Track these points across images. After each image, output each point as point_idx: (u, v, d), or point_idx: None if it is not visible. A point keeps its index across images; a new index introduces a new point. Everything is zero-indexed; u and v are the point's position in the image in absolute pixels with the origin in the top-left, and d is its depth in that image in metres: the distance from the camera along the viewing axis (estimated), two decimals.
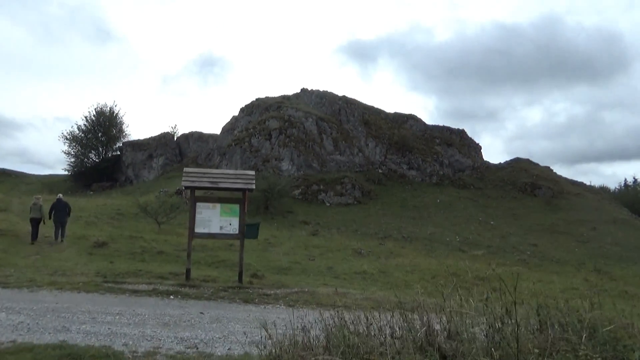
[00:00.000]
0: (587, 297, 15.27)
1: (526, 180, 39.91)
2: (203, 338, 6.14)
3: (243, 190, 10.63)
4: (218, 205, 10.53)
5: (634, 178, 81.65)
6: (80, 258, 15.11)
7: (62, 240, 17.13)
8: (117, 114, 54.14)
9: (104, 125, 52.75)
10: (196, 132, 50.67)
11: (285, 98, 43.45)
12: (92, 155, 53.11)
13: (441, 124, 44.01)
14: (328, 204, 34.79)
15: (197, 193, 10.70)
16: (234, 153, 39.01)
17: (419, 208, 35.21)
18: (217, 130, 48.13)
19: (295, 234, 26.68)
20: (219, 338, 6.19)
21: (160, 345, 5.65)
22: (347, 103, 42.16)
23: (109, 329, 6.36)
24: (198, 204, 10.47)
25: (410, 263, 19.20)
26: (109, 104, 60.36)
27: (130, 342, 5.70)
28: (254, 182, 10.68)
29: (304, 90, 43.97)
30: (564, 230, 33.78)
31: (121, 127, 54.22)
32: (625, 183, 68.67)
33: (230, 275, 14.03)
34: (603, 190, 51.53)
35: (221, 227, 10.51)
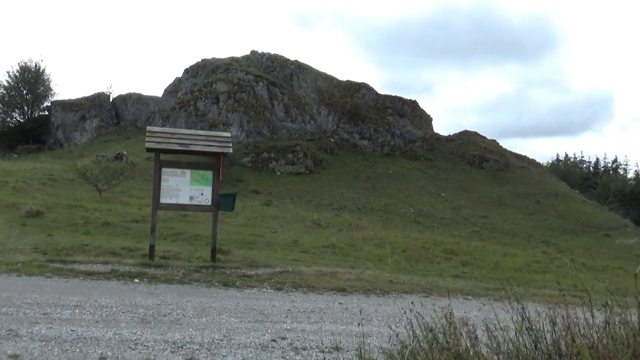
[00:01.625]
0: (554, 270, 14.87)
1: (474, 153, 40.34)
2: (200, 341, 4.83)
3: (218, 154, 9.16)
4: (188, 172, 9.03)
5: (565, 153, 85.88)
6: (11, 230, 13.05)
7: None
8: (44, 70, 49.48)
9: (29, 82, 48.08)
10: (135, 94, 47.24)
11: (233, 60, 41.07)
12: (16, 115, 48.48)
13: (394, 94, 43.36)
14: (279, 173, 33.47)
15: (163, 157, 9.14)
16: (178, 117, 36.52)
17: (372, 179, 34.66)
18: (159, 92, 45.00)
19: (248, 204, 25.25)
20: (220, 340, 4.91)
21: (152, 357, 4.29)
22: (300, 68, 40.48)
23: (72, 331, 4.90)
24: (164, 169, 8.90)
25: (376, 236, 18.45)
26: (35, 59, 54.84)
27: (110, 354, 4.28)
28: (230, 145, 9.22)
29: (253, 53, 41.74)
30: (510, 203, 34.48)
31: (49, 84, 49.74)
32: (557, 158, 72.05)
33: (192, 250, 12.57)
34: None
35: (191, 198, 9.04)
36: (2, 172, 24.55)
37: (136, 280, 7.58)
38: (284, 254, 14.01)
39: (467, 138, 42.78)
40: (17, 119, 48.06)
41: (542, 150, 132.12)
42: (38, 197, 18.30)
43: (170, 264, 8.83)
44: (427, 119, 43.51)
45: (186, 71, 42.21)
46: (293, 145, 35.15)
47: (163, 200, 8.88)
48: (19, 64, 48.04)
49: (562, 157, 72.20)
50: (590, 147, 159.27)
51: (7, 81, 47.09)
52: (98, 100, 46.51)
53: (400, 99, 43.14)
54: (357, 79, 56.09)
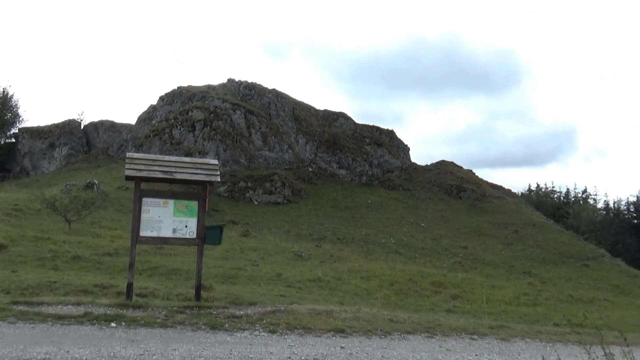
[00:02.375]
0: (545, 304, 14.46)
1: (452, 182, 40.42)
2: None
3: (204, 183, 8.47)
4: (171, 202, 8.30)
5: (537, 184, 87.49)
6: None
7: None
8: (12, 95, 47.94)
9: None
10: (107, 121, 46.07)
11: (210, 88, 40.55)
12: None
13: (371, 124, 43.38)
14: (256, 203, 32.68)
15: (143, 186, 8.40)
16: (152, 145, 35.55)
17: (351, 208, 34.18)
18: (132, 120, 43.96)
19: (226, 234, 24.22)
20: None
21: None
22: (278, 97, 40.21)
23: None
24: (145, 199, 8.15)
25: (361, 268, 17.81)
26: (3, 84, 53.25)
27: None
28: (218, 173, 8.55)
29: (230, 81, 41.34)
30: (489, 233, 34.40)
31: (17, 111, 48.13)
32: (529, 188, 73.19)
33: (171, 286, 11.69)
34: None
35: (174, 230, 8.29)
36: None
37: (113, 324, 6.75)
38: (269, 288, 13.24)
39: (443, 168, 42.93)
40: None
41: (509, 180, 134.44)
42: (1, 228, 17.07)
43: (149, 303, 8.00)
44: (404, 149, 43.60)
45: (161, 98, 41.44)
46: (271, 175, 34.52)
47: (143, 233, 8.11)
48: None
49: (533, 187, 73.37)
50: (555, 178, 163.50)
51: None
52: (68, 128, 45.14)
53: (377, 128, 43.21)
54: (334, 108, 56.23)
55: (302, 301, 11.84)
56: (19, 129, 46.18)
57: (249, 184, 33.35)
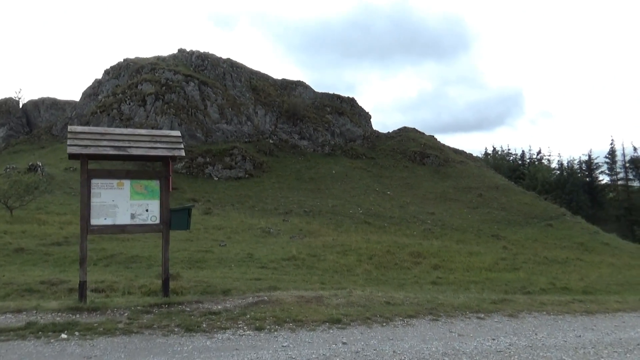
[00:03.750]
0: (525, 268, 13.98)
1: (415, 149, 40.01)
2: None
3: (166, 158, 7.15)
4: (126, 183, 6.97)
5: (493, 147, 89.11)
6: None
7: None
8: None
9: None
10: (49, 98, 42.79)
11: (160, 59, 38.06)
12: None
13: (331, 92, 42.12)
14: (217, 178, 31.21)
15: (91, 165, 7.04)
16: (100, 122, 33.16)
17: (315, 180, 33.22)
18: (76, 96, 40.97)
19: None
20: None
21: None
22: (233, 66, 38.23)
23: None
24: (94, 181, 6.79)
25: (335, 242, 16.90)
26: None
27: None
28: (182, 146, 7.25)
29: (181, 51, 38.93)
30: (454, 198, 34.31)
31: None
32: (485, 151, 74.33)
33: (131, 277, 10.38)
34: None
35: (133, 215, 6.99)
36: None
37: (64, 335, 5.49)
38: (241, 271, 12.12)
39: (406, 134, 42.45)
40: None
41: (462, 146, 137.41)
42: None
43: (108, 303, 6.75)
44: (365, 117, 42.73)
45: (107, 72, 38.67)
46: (230, 149, 32.99)
47: (95, 221, 6.78)
48: None
49: (489, 150, 74.56)
50: (505, 141, 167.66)
51: None
52: (5, 107, 41.68)
53: (338, 96, 42.05)
54: (293, 76, 54.41)
55: (280, 284, 10.81)
56: None
57: (208, 159, 31.75)
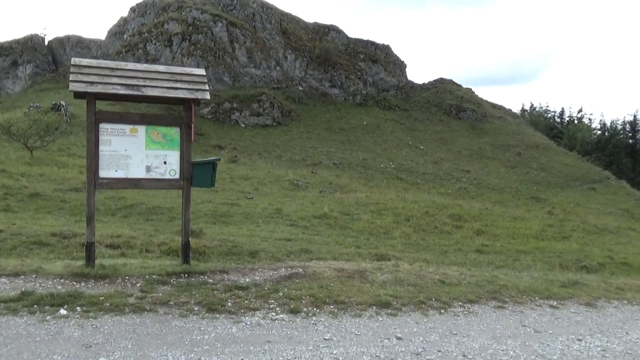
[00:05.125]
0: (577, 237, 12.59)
1: (451, 102, 37.96)
2: None
3: (188, 101, 5.98)
4: (141, 129, 5.87)
5: (531, 103, 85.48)
6: None
7: None
8: None
9: None
10: (74, 36, 41.63)
11: None
12: None
13: (365, 38, 39.82)
14: (243, 125, 30.08)
15: (101, 106, 5.96)
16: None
17: (346, 131, 31.82)
18: (102, 34, 39.74)
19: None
20: None
21: None
22: (263, 7, 36.22)
23: None
24: (103, 126, 5.71)
25: (369, 200, 15.77)
26: None
27: None
28: (206, 87, 6.05)
29: None
30: (491, 156, 32.61)
31: None
32: (522, 108, 71.06)
33: (151, 232, 9.49)
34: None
35: (149, 168, 5.93)
36: None
37: (62, 311, 4.59)
38: (269, 229, 11.15)
39: (442, 86, 40.25)
40: None
41: (495, 99, 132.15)
42: None
43: (119, 269, 5.81)
44: (400, 66, 40.54)
45: (132, 10, 37.16)
46: (258, 94, 31.62)
47: (104, 173, 5.75)
48: None
49: (527, 106, 71.26)
50: (540, 97, 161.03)
51: None
52: (31, 44, 40.72)
53: (372, 43, 39.80)
54: (325, 21, 51.79)
55: (312, 246, 9.81)
56: None
57: (235, 105, 30.53)
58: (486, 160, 31.71)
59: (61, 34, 42.59)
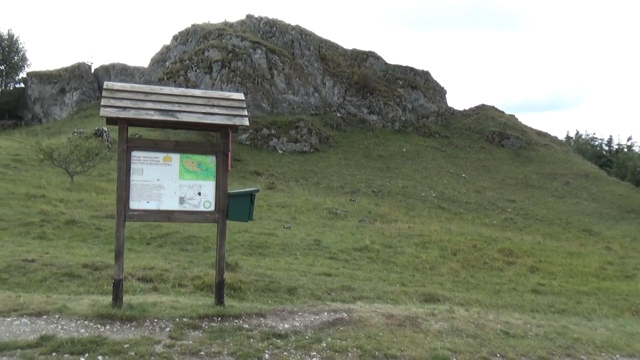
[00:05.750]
0: None
1: (494, 129, 36.85)
2: None
3: (225, 127, 5.54)
4: (175, 158, 5.45)
5: (576, 130, 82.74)
6: None
7: None
8: (17, 38, 45.01)
9: (3, 52, 43.65)
10: (119, 64, 42.95)
11: (227, 25, 36.89)
12: None
13: (404, 64, 39.40)
14: (281, 152, 29.86)
15: (141, 131, 5.61)
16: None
17: (385, 158, 31.16)
18: (145, 62, 40.80)
19: (249, 187, 21.66)
20: None
21: None
22: (302, 34, 36.42)
23: None
24: (135, 153, 5.33)
25: (412, 231, 14.98)
26: (8, 26, 50.11)
27: None
28: (245, 112, 5.60)
29: (249, 17, 37.54)
30: (537, 185, 31.22)
31: (24, 54, 45.30)
32: (567, 135, 68.73)
33: (185, 264, 9.03)
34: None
35: (182, 200, 5.49)
36: None
37: (83, 358, 4.11)
38: (308, 262, 10.54)
39: (484, 113, 39.21)
40: None
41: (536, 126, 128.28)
42: None
43: (148, 310, 5.31)
44: (440, 92, 39.81)
45: (175, 38, 38.04)
46: (296, 121, 31.47)
47: (135, 204, 5.33)
48: None
49: (572, 134, 68.90)
50: (584, 124, 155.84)
51: None
52: (78, 72, 42.22)
53: (411, 69, 39.33)
54: (364, 46, 51.75)
55: (354, 282, 9.13)
56: (27, 74, 43.46)
57: (273, 131, 30.43)
58: (532, 189, 30.36)
59: (107, 62, 43.95)
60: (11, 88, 44.99)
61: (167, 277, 8.01)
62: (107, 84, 5.37)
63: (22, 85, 44.50)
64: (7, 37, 44.05)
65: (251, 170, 25.88)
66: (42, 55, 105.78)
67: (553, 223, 24.41)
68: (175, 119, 5.26)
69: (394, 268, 10.94)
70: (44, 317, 5.06)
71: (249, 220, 5.84)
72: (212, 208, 5.64)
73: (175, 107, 5.36)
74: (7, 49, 43.79)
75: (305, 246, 11.94)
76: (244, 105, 5.70)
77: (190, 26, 37.86)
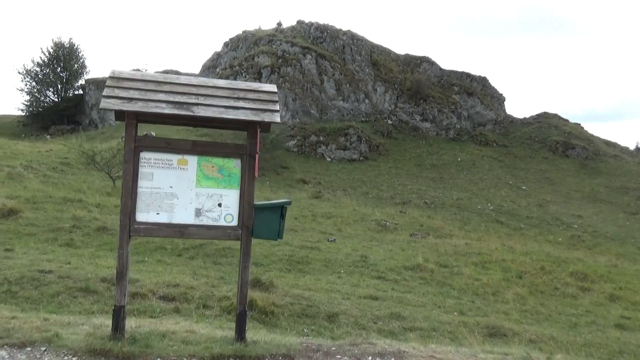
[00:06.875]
0: None
1: (557, 138, 34.41)
2: None
3: (253, 124, 4.56)
4: (192, 161, 4.52)
5: None
6: None
7: None
8: (77, 46, 46.59)
9: (63, 59, 45.25)
10: (172, 70, 43.44)
11: (278, 31, 36.48)
12: (50, 94, 45.76)
13: (460, 70, 37.65)
14: (329, 159, 28.87)
15: (169, 132, 4.73)
16: None
17: (438, 167, 29.56)
18: (196, 69, 41.12)
19: (295, 196, 20.81)
20: None
21: None
22: (353, 39, 35.46)
23: None
24: (145, 154, 4.43)
25: (470, 249, 13.55)
26: (68, 37, 52.13)
27: None
28: (277, 106, 4.59)
29: (300, 23, 36.99)
30: (607, 199, 28.65)
31: (83, 62, 46.84)
32: (637, 146, 64.09)
33: (215, 280, 8.13)
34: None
35: (199, 212, 4.54)
36: (11, 154, 21.04)
37: None
38: (353, 282, 9.40)
39: (546, 121, 36.79)
40: (51, 99, 45.32)
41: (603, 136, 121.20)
42: (32, 186, 14.38)
43: (153, 346, 4.37)
44: (499, 99, 37.73)
45: (225, 44, 38.03)
46: (345, 128, 30.43)
47: (142, 216, 4.43)
48: (52, 40, 45.40)
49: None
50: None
51: (41, 58, 44.46)
52: None
53: (468, 74, 37.50)
54: (417, 52, 50.12)
55: (404, 309, 7.92)
56: (85, 80, 44.82)
57: (321, 138, 29.52)
58: (601, 204, 27.86)
59: (160, 68, 44.66)
60: (70, 94, 46.48)
61: (191, 297, 7.11)
62: (113, 71, 4.51)
63: (81, 91, 45.93)
64: (68, 45, 45.65)
65: (297, 178, 25.03)
66: (100, 63, 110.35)
67: (625, 242, 22.08)
68: (190, 113, 4.31)
69: (451, 292, 9.63)
70: (28, 349, 4.20)
71: (278, 238, 4.80)
72: (234, 223, 4.65)
73: (192, 100, 4.42)
74: (67, 57, 45.32)
75: (351, 263, 10.81)
76: (276, 99, 4.69)
77: (241, 32, 37.77)
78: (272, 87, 4.83)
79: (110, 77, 4.43)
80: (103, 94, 4.28)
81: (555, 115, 37.87)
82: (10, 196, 12.25)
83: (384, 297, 8.52)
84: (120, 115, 4.52)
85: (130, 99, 4.26)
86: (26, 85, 44.23)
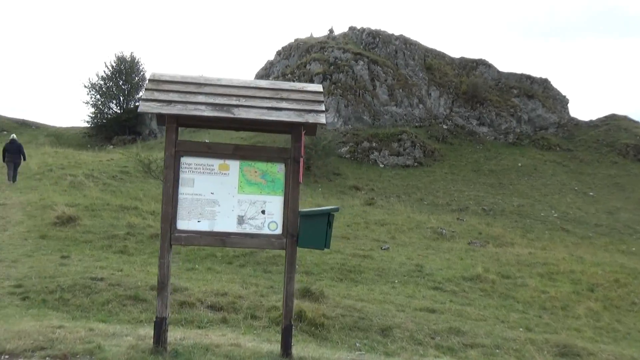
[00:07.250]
0: None
1: (627, 141, 32.21)
2: None
3: (297, 127, 4.28)
4: (234, 166, 4.30)
5: None
6: (21, 246, 9.27)
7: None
8: (139, 59, 48.59)
9: (125, 73, 47.39)
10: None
11: (330, 38, 36.41)
12: (112, 106, 47.98)
13: (519, 72, 36.12)
14: (382, 166, 28.33)
15: (183, 134, 4.63)
16: None
17: (497, 173, 28.35)
18: (250, 77, 41.71)
19: (347, 203, 20.48)
20: None
21: None
22: (406, 44, 34.82)
23: None
24: (185, 160, 4.25)
25: (534, 259, 12.70)
26: (129, 51, 54.55)
27: None
28: (322, 107, 4.30)
29: (352, 29, 36.76)
30: None
31: (144, 74, 48.78)
32: None
33: (265, 289, 7.92)
34: None
35: (241, 219, 4.31)
36: (75, 164, 21.95)
37: None
38: (408, 293, 8.94)
39: (615, 123, 34.57)
40: (114, 110, 47.45)
41: None
42: (91, 195, 14.83)
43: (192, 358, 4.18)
44: (562, 101, 35.86)
45: (278, 53, 38.35)
46: (398, 133, 29.80)
47: (183, 224, 4.25)
48: (115, 54, 47.61)
49: None
50: None
51: (105, 72, 46.71)
52: None
53: (528, 77, 35.90)
54: (473, 54, 48.65)
55: (464, 324, 7.38)
56: None
57: (374, 144, 29.04)
58: None
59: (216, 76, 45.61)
60: (132, 106, 48.50)
61: (239, 306, 6.91)
62: (153, 74, 4.37)
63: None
64: (129, 59, 47.72)
65: (350, 185, 24.69)
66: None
67: None
68: (230, 115, 4.09)
69: (515, 305, 8.95)
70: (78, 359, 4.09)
71: (325, 248, 4.48)
72: (278, 231, 4.38)
73: (233, 101, 4.20)
74: (129, 70, 47.35)
75: (405, 272, 10.32)
76: (321, 98, 4.39)
77: (293, 41, 38.00)
78: (318, 87, 4.55)
79: (150, 80, 4.29)
80: (142, 97, 4.14)
81: (625, 117, 35.55)
82: (70, 204, 12.64)
83: (442, 310, 8.00)
84: (161, 119, 4.37)
85: (170, 102, 4.10)
86: (91, 98, 46.46)
